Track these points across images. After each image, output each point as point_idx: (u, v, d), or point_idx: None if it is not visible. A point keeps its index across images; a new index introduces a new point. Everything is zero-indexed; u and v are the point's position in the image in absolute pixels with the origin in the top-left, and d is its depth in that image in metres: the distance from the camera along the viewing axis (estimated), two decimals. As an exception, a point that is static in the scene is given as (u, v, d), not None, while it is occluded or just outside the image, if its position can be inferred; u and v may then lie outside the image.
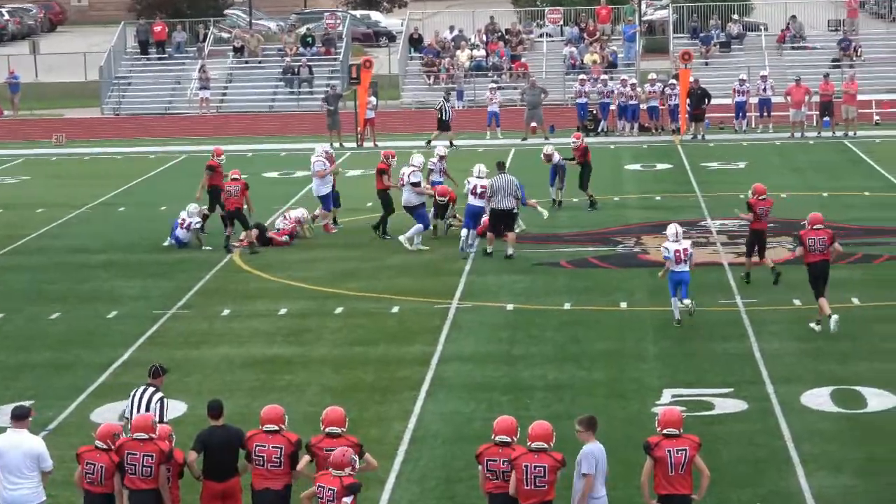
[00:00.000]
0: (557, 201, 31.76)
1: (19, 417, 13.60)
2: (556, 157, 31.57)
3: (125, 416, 14.97)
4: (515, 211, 26.98)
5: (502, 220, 26.79)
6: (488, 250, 26.94)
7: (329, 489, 12.39)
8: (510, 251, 26.75)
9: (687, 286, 21.69)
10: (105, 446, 13.38)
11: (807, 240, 20.99)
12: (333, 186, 30.16)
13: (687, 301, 21.69)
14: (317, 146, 32.52)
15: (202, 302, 24.36)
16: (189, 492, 13.98)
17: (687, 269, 21.57)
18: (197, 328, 22.64)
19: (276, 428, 13.43)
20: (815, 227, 21.03)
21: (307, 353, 21.04)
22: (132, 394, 14.85)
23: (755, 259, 24.15)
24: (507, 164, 29.24)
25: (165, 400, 14.80)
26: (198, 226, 28.86)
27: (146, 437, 13.29)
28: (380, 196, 28.99)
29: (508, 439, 12.96)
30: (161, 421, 14.16)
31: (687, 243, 21.68)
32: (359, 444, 13.30)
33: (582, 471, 12.88)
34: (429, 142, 42.38)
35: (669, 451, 12.87)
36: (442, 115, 43.37)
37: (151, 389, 14.76)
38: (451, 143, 42.20)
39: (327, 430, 13.39)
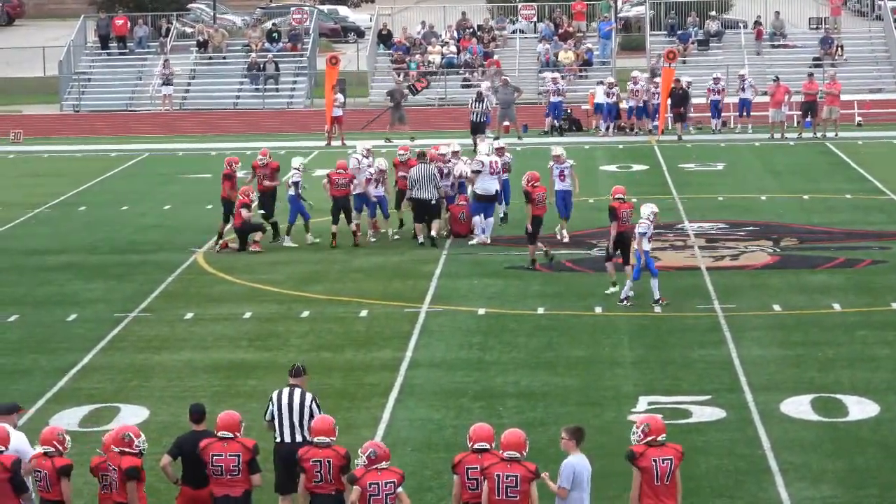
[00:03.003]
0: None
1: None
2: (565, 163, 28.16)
3: (266, 418, 14.28)
4: (435, 202, 27.37)
5: (426, 210, 27.29)
6: (420, 241, 27.40)
7: (388, 482, 12.50)
8: (432, 234, 27.26)
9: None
10: (50, 450, 12.89)
11: (620, 212, 22.86)
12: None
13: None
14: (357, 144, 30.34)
15: (165, 305, 23.95)
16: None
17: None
18: (159, 332, 22.26)
19: (231, 435, 13.16)
20: (618, 198, 22.94)
21: (273, 358, 20.69)
22: (274, 397, 14.19)
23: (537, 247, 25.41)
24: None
25: (316, 399, 14.28)
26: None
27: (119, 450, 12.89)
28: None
29: (487, 446, 12.74)
30: None
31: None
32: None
33: (559, 483, 12.56)
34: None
35: (655, 461, 12.57)
36: (474, 116, 40.70)
37: (299, 391, 14.18)
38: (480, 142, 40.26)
39: (316, 439, 13.18)
